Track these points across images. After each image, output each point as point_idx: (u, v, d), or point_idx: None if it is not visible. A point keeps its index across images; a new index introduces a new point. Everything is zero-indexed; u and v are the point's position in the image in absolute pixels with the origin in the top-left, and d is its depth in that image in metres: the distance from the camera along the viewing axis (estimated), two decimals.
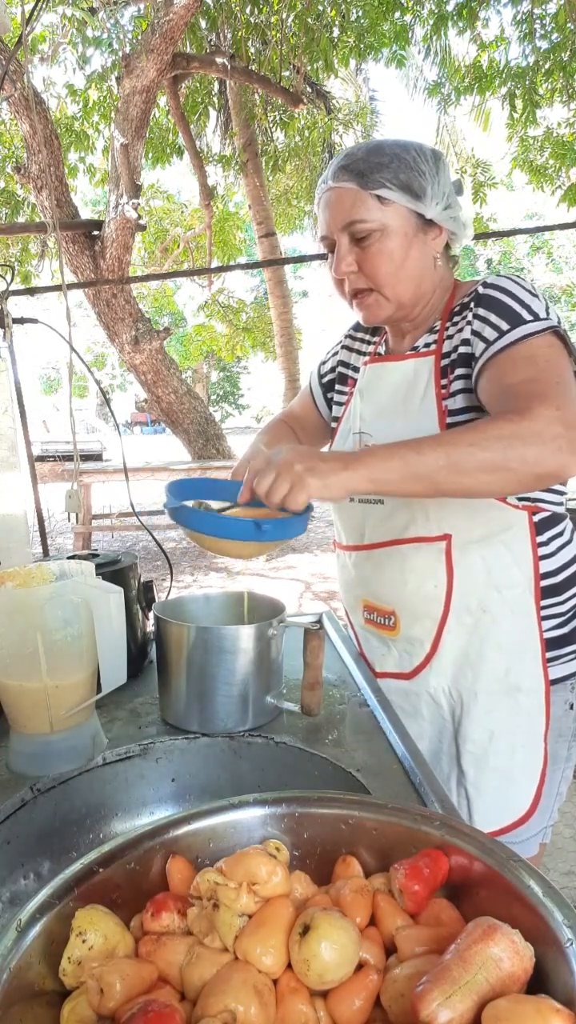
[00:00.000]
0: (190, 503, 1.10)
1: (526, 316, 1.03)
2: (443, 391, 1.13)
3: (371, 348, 1.33)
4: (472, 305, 1.10)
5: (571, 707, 1.21)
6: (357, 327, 1.39)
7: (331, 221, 1.12)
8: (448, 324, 1.16)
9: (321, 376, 1.43)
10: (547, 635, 1.16)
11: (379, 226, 1.08)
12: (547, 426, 0.89)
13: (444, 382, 1.13)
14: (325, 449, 1.40)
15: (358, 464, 0.90)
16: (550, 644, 1.17)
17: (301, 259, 7.77)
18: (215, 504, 1.15)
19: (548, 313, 1.04)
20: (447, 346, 1.14)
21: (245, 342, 13.33)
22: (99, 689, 0.93)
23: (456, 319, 1.14)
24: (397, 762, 0.92)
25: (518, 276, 1.11)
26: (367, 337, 1.36)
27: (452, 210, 1.13)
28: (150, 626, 1.19)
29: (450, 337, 1.14)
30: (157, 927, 0.58)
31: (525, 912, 0.52)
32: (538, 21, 6.68)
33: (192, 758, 1.00)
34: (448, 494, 0.95)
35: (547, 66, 6.79)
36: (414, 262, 1.12)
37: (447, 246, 1.18)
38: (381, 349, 1.30)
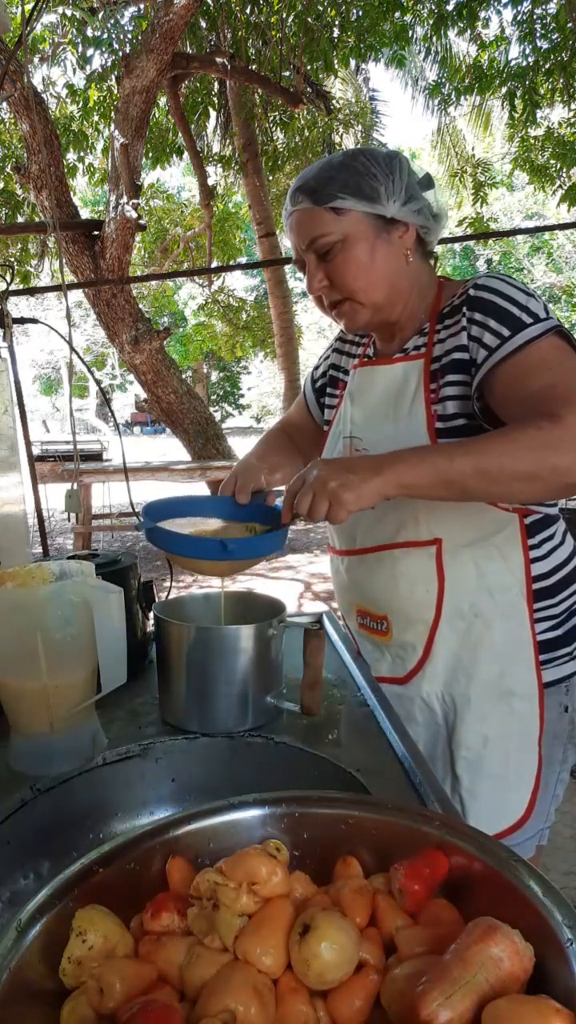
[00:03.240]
0: (180, 521, 1.11)
1: (526, 319, 1.02)
2: (432, 395, 1.12)
3: (360, 351, 1.33)
4: (465, 309, 1.09)
5: (565, 710, 1.20)
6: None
7: (297, 243, 1.14)
8: (438, 327, 1.15)
9: (314, 381, 1.44)
10: (540, 638, 1.16)
11: (339, 237, 1.09)
12: None
13: (433, 387, 1.12)
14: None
15: (388, 471, 0.92)
16: (543, 647, 1.16)
17: None
18: (212, 523, 1.17)
19: (547, 312, 1.04)
20: (437, 350, 1.13)
21: (245, 342, 13.33)
22: (99, 689, 0.92)
23: (447, 322, 1.13)
24: (396, 762, 0.92)
25: (508, 276, 1.10)
26: (357, 339, 1.36)
27: (415, 203, 1.12)
28: (150, 626, 1.19)
29: (441, 341, 1.13)
30: (157, 927, 0.58)
31: (525, 912, 0.52)
32: (538, 21, 6.68)
33: (192, 758, 0.99)
34: (477, 499, 0.97)
35: (547, 66, 6.79)
36: (382, 264, 1.12)
37: (421, 241, 1.17)
38: (370, 351, 1.30)
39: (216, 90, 8.80)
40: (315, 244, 1.10)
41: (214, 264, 9.18)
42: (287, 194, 1.16)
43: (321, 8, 6.77)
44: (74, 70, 7.01)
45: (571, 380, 0.97)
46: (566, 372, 0.98)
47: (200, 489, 7.16)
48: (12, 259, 8.50)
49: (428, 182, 1.16)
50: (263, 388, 27.52)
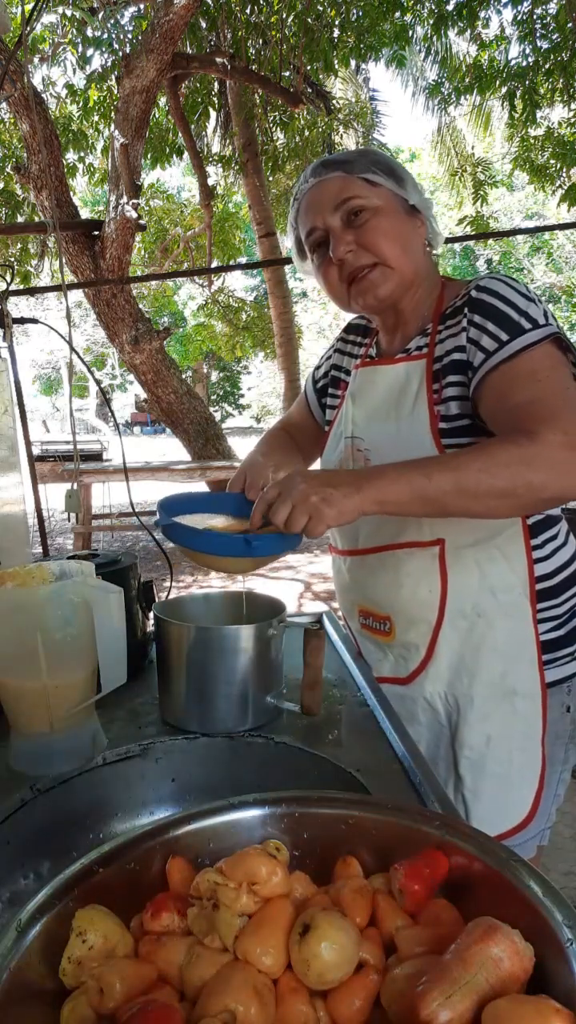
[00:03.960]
0: (188, 517, 1.10)
1: (525, 325, 1.02)
2: (435, 396, 1.12)
3: (362, 351, 1.33)
4: (466, 310, 1.09)
5: (567, 710, 1.20)
6: (349, 329, 1.39)
7: (321, 207, 1.13)
8: (440, 327, 1.15)
9: (316, 382, 1.44)
10: (543, 638, 1.16)
11: (373, 204, 1.11)
12: (554, 451, 0.90)
13: (436, 387, 1.12)
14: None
15: (368, 487, 0.91)
16: (546, 647, 1.16)
17: None
18: (218, 519, 1.16)
19: (547, 318, 1.04)
20: (439, 350, 1.13)
21: (245, 342, 13.33)
22: (99, 689, 0.92)
23: (449, 322, 1.13)
24: (397, 762, 0.92)
25: (511, 278, 1.10)
26: (358, 339, 1.35)
27: (428, 206, 1.17)
28: (150, 626, 1.19)
29: (442, 341, 1.13)
30: (157, 927, 0.58)
31: (525, 912, 0.52)
32: (538, 21, 6.68)
33: (192, 758, 1.00)
34: (455, 515, 0.97)
35: (547, 66, 6.79)
36: (409, 240, 1.14)
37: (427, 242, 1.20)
38: (372, 351, 1.30)
39: (216, 90, 8.80)
40: (347, 204, 1.11)
41: (214, 264, 9.18)
42: (303, 175, 1.17)
43: (321, 8, 6.77)
44: (74, 70, 7.01)
45: (554, 395, 0.97)
46: (552, 384, 0.98)
47: (200, 489, 7.16)
48: (12, 259, 8.50)
49: (428, 205, 1.21)
50: (263, 388, 27.52)
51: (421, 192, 1.17)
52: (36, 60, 6.98)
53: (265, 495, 0.96)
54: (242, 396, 33.14)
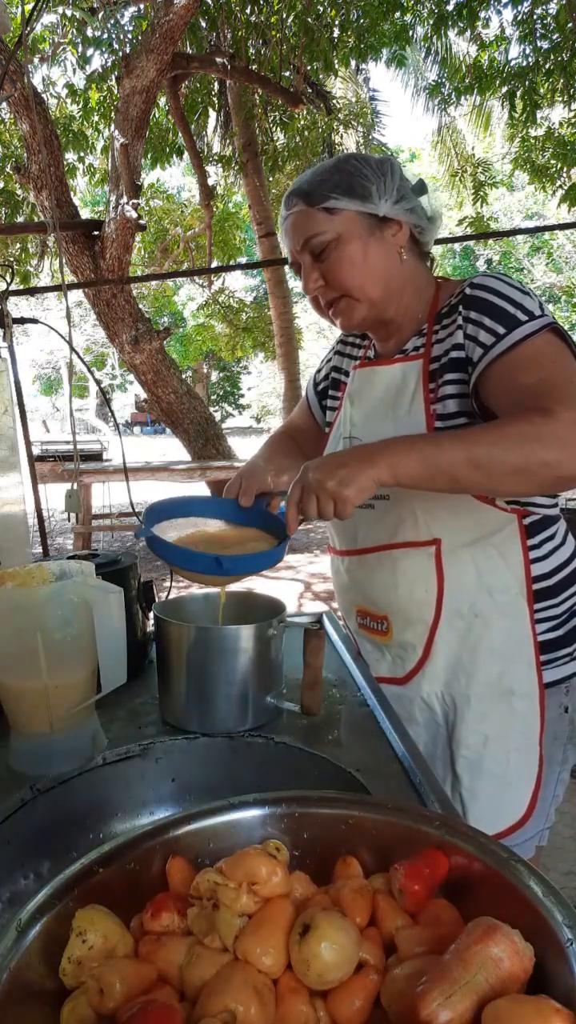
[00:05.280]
0: (182, 521, 1.11)
1: (521, 317, 1.03)
2: (431, 395, 1.12)
3: (361, 352, 1.34)
4: (461, 308, 1.09)
5: (565, 710, 1.20)
6: (348, 332, 1.39)
7: (292, 246, 1.16)
8: (436, 327, 1.15)
9: (316, 384, 1.45)
10: (541, 638, 1.16)
11: (333, 235, 1.11)
12: (568, 430, 0.89)
13: (432, 386, 1.13)
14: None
15: (380, 458, 0.92)
16: (544, 647, 1.16)
17: None
18: (213, 524, 1.16)
19: (542, 310, 1.04)
20: (436, 350, 1.14)
21: (245, 342, 13.33)
22: (99, 689, 0.92)
23: (445, 321, 1.14)
24: (396, 762, 0.92)
25: (503, 274, 1.11)
26: (357, 341, 1.36)
27: (407, 202, 1.14)
28: (150, 626, 1.19)
29: (439, 341, 1.14)
30: (157, 927, 0.58)
31: (525, 912, 0.52)
32: (538, 21, 6.68)
33: (192, 758, 1.00)
34: (466, 490, 0.97)
35: (547, 66, 6.79)
36: (376, 260, 1.13)
37: (416, 241, 1.19)
38: (371, 353, 1.31)
39: (216, 90, 8.80)
40: (310, 243, 1.12)
41: (214, 264, 9.18)
42: (283, 199, 1.18)
43: (321, 8, 6.77)
44: (74, 70, 7.01)
45: (563, 376, 0.97)
46: (559, 368, 0.98)
47: (200, 489, 7.16)
48: (12, 259, 8.50)
49: (421, 188, 1.19)
50: (263, 388, 27.52)
51: (402, 186, 1.13)
52: (36, 60, 6.98)
53: (291, 496, 0.99)
54: (242, 396, 33.14)
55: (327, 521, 0.96)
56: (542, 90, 7.24)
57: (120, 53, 6.02)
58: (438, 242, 1.24)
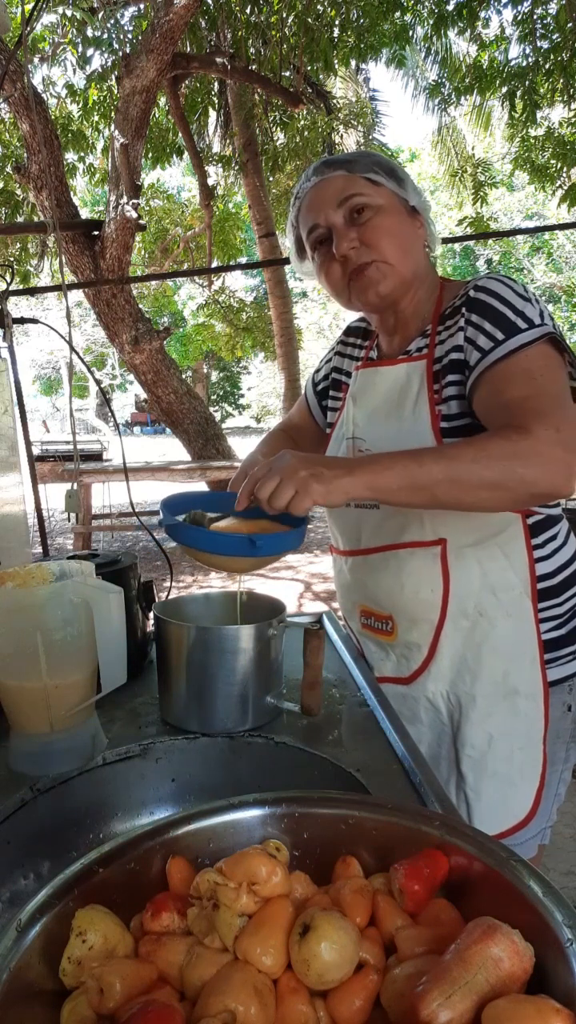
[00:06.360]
0: (183, 516, 1.10)
1: (521, 324, 1.03)
2: (436, 396, 1.13)
3: (363, 353, 1.34)
4: (464, 310, 1.09)
5: (569, 709, 1.21)
6: (349, 332, 1.39)
7: (324, 204, 1.13)
8: (440, 328, 1.15)
9: (315, 384, 1.44)
10: (545, 637, 1.16)
11: (376, 202, 1.12)
12: (547, 448, 0.90)
13: (436, 387, 1.13)
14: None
15: (360, 470, 0.91)
16: (548, 646, 1.16)
17: None
18: (213, 516, 1.15)
19: (543, 318, 1.04)
20: (439, 351, 1.14)
21: (245, 342, 13.33)
22: (99, 689, 0.92)
23: (448, 323, 1.14)
24: (397, 762, 0.92)
25: (510, 278, 1.11)
26: (359, 342, 1.36)
27: (427, 208, 1.18)
28: (150, 626, 1.19)
29: (442, 342, 1.14)
30: (157, 927, 0.58)
31: (525, 912, 0.52)
32: (538, 21, 6.68)
33: (192, 758, 1.00)
34: (445, 507, 0.97)
35: (547, 66, 6.79)
36: (411, 242, 1.15)
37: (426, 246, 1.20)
38: (373, 354, 1.30)
39: (216, 90, 8.80)
40: (350, 201, 1.11)
41: (214, 264, 9.18)
42: (304, 174, 1.18)
43: (321, 8, 6.77)
44: (74, 70, 7.01)
45: (548, 393, 0.97)
46: (547, 382, 0.99)
47: (200, 489, 7.16)
48: (12, 259, 8.50)
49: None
50: (263, 388, 27.52)
51: (420, 194, 1.18)
52: (36, 60, 6.98)
53: (254, 473, 0.96)
54: (242, 396, 33.15)
55: (275, 512, 0.92)
56: (542, 90, 7.23)
57: (120, 53, 6.02)
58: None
